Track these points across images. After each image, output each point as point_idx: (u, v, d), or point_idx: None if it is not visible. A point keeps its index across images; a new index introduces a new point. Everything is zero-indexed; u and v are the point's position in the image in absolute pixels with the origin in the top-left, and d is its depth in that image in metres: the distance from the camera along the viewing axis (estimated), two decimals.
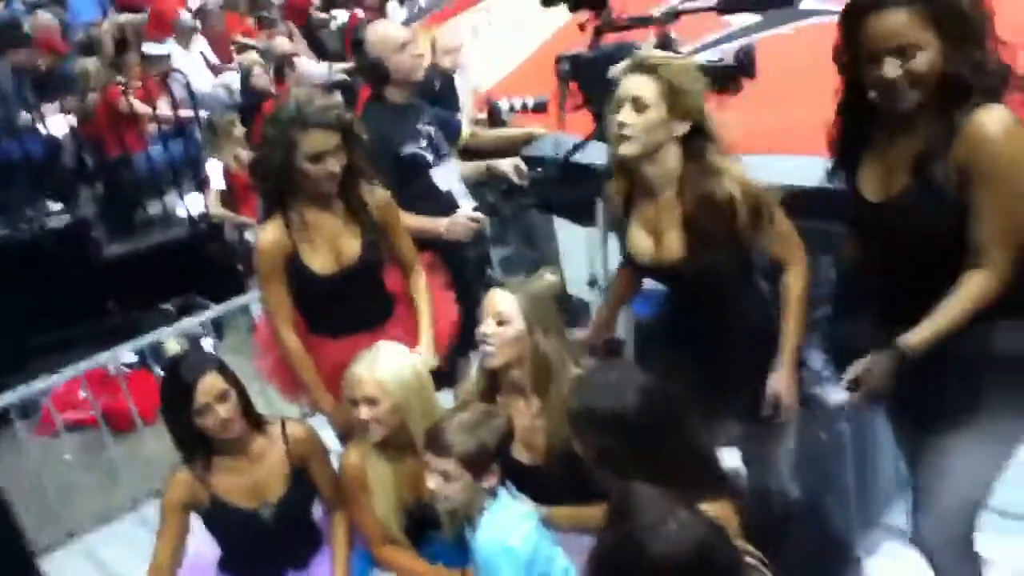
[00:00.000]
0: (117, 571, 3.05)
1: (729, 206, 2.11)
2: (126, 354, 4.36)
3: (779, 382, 2.21)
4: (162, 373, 4.97)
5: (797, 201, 2.19)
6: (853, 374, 1.87)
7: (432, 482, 2.01)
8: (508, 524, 2.00)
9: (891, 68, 1.73)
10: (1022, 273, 1.77)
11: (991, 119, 1.71)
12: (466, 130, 3.54)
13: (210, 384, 2.18)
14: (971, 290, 1.77)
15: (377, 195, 2.59)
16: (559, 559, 2.04)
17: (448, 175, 3.17)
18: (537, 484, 2.18)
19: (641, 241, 2.26)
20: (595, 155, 2.75)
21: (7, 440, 3.57)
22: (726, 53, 2.60)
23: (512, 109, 4.94)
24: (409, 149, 3.03)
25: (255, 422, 2.33)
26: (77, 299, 5.86)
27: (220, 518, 2.32)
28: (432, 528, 2.29)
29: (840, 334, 2.19)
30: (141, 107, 6.16)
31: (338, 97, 2.40)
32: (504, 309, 2.17)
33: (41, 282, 5.66)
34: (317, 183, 2.44)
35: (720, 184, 2.11)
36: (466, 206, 3.14)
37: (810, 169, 2.14)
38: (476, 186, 3.45)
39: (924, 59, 1.72)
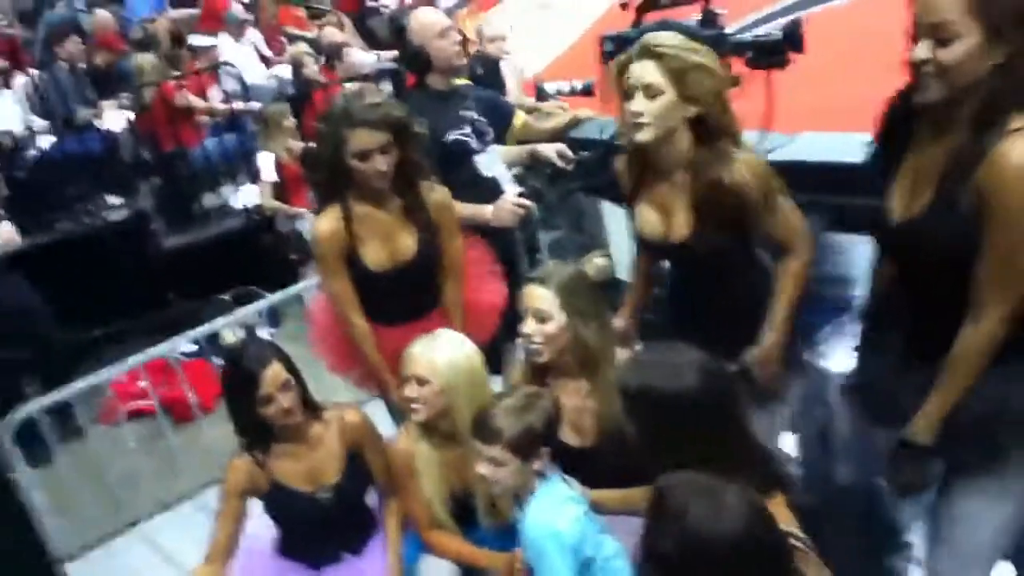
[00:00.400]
0: (177, 557, 3.11)
1: (738, 191, 2.11)
2: (184, 344, 4.45)
3: (758, 354, 2.21)
4: (220, 362, 5.13)
5: (845, 177, 2.11)
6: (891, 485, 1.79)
7: (482, 469, 2.01)
8: (556, 507, 1.99)
9: (922, 49, 1.57)
10: None
11: (1021, 150, 1.53)
12: (518, 118, 3.52)
13: (274, 374, 2.22)
14: (967, 355, 1.65)
15: (436, 194, 2.60)
16: (608, 543, 2.03)
17: (492, 161, 3.15)
18: (586, 467, 2.18)
19: (651, 219, 2.26)
20: None
21: (71, 430, 3.66)
22: (774, 27, 2.52)
23: (559, 93, 4.92)
24: (452, 136, 3.03)
25: (312, 410, 2.37)
26: (137, 291, 6.00)
27: (279, 502, 2.37)
28: (477, 515, 2.30)
29: (865, 366, 2.08)
30: (196, 101, 6.27)
31: (388, 88, 2.40)
32: (543, 306, 2.16)
33: (102, 275, 5.79)
34: (367, 179, 2.45)
35: (730, 170, 2.11)
36: (511, 191, 3.12)
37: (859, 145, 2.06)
38: (524, 170, 3.43)
39: (959, 49, 1.54)
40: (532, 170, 3.40)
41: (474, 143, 3.10)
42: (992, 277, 1.61)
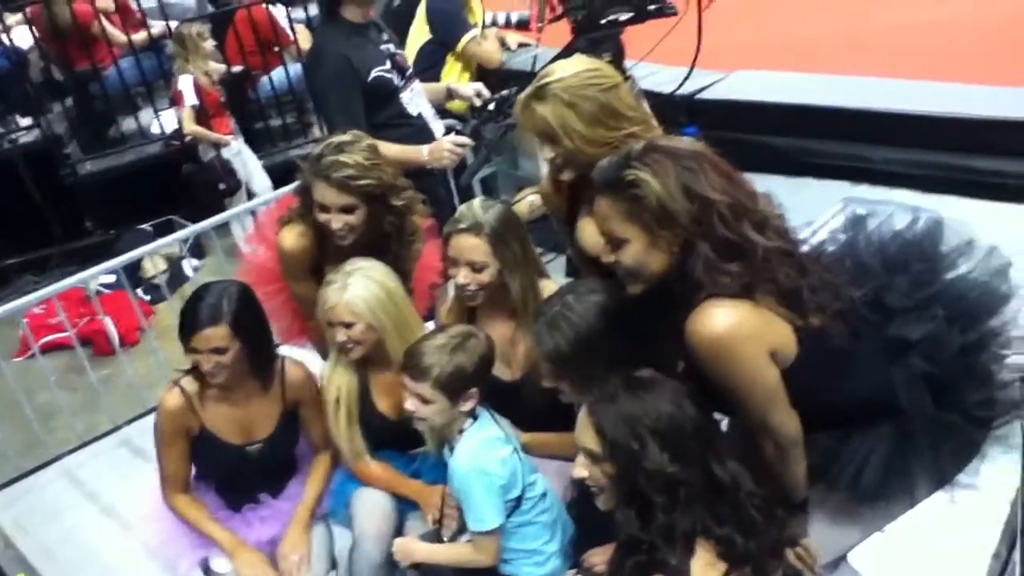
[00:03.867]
0: (99, 492, 3.05)
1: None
2: (103, 276, 4.31)
3: None
4: (141, 295, 5.00)
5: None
6: None
7: (409, 404, 2.01)
8: (485, 447, 2.00)
9: (604, 254, 1.74)
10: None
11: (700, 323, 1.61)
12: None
13: (209, 336, 2.15)
14: (786, 460, 1.74)
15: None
16: (538, 482, 2.06)
17: (417, 98, 3.07)
18: (517, 400, 2.21)
19: (594, 234, 2.03)
20: None
21: None
22: None
23: (495, 23, 4.83)
24: (375, 73, 2.93)
25: (260, 368, 2.31)
26: (52, 219, 5.77)
27: (206, 449, 2.34)
28: (417, 442, 2.30)
29: None
30: (113, 32, 5.93)
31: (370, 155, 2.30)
32: (476, 257, 2.16)
33: (12, 201, 5.55)
34: (327, 232, 2.38)
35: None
36: (438, 129, 3.06)
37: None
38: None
39: (630, 251, 1.66)
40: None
41: (396, 79, 3.01)
42: (747, 412, 1.70)
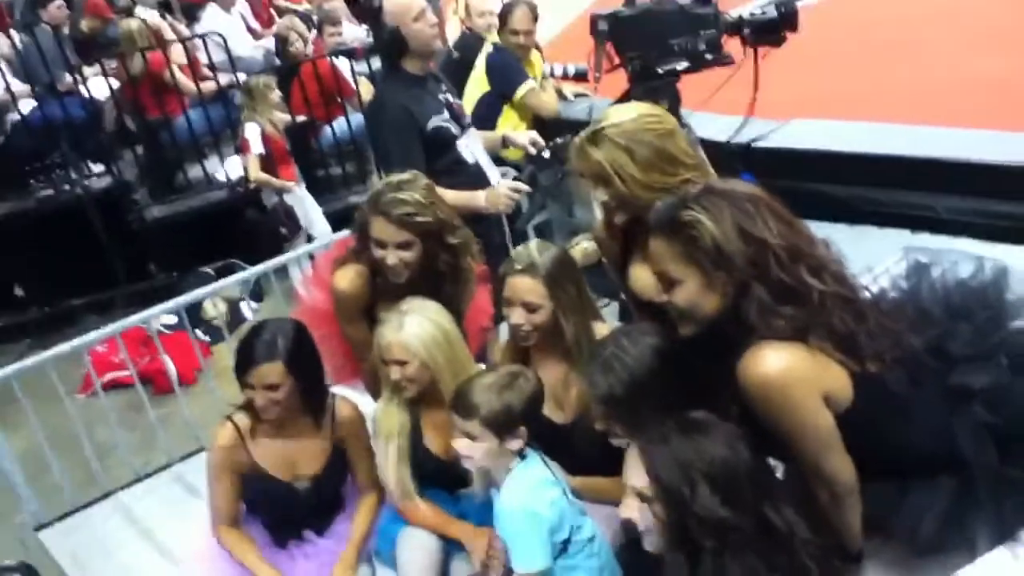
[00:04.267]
0: (152, 528, 3.09)
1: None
2: (164, 316, 4.40)
3: None
4: (201, 336, 5.10)
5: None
6: None
7: (458, 442, 2.00)
8: (533, 488, 1.98)
9: (656, 294, 1.76)
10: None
11: (753, 366, 1.60)
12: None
13: (265, 372, 2.19)
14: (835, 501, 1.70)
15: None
16: (587, 526, 2.03)
17: (473, 145, 3.12)
18: (569, 443, 2.19)
19: (647, 280, 2.02)
20: None
21: (51, 400, 3.62)
22: (768, 5, 2.51)
23: (553, 75, 4.90)
24: (433, 123, 2.98)
25: (312, 405, 2.33)
26: (118, 261, 5.94)
27: (255, 485, 2.36)
28: (465, 483, 2.28)
29: None
30: (184, 80, 6.18)
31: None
32: (532, 299, 2.17)
33: (82, 243, 5.73)
34: (382, 267, 2.42)
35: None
36: (494, 176, 3.09)
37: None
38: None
39: (684, 291, 1.66)
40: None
41: (454, 128, 3.06)
42: (801, 458, 1.67)
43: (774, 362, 1.58)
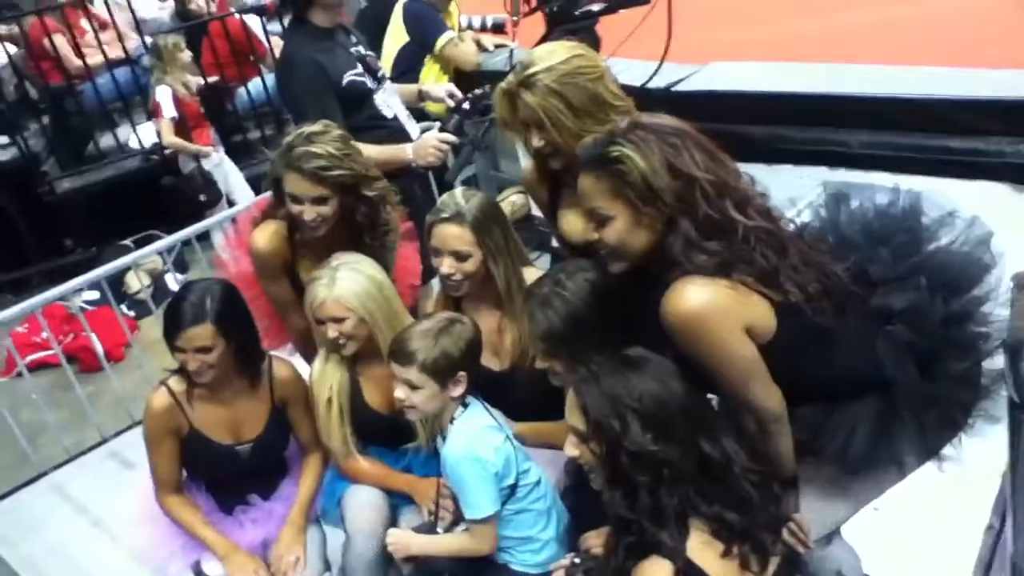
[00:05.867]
0: (87, 506, 3.04)
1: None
2: (87, 292, 4.28)
3: None
4: (126, 311, 4.96)
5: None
6: None
7: (399, 392, 1.99)
8: (478, 435, 1.99)
9: (587, 231, 1.74)
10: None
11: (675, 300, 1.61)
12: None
13: (194, 335, 2.14)
14: (762, 429, 1.73)
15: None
16: (532, 471, 2.05)
17: (391, 100, 3.06)
18: (507, 390, 2.20)
19: (577, 224, 2.08)
20: None
21: None
22: None
23: (471, 26, 4.84)
24: (348, 77, 2.90)
25: (247, 367, 2.29)
26: (31, 237, 5.72)
27: (195, 450, 2.32)
28: (408, 438, 2.30)
29: None
30: (65, 50, 5.84)
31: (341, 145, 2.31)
32: (460, 247, 2.17)
33: None
34: (299, 223, 2.36)
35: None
36: (413, 130, 3.05)
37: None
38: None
39: (615, 228, 1.66)
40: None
41: (370, 82, 2.99)
42: (727, 389, 1.70)
43: (694, 296, 1.59)
